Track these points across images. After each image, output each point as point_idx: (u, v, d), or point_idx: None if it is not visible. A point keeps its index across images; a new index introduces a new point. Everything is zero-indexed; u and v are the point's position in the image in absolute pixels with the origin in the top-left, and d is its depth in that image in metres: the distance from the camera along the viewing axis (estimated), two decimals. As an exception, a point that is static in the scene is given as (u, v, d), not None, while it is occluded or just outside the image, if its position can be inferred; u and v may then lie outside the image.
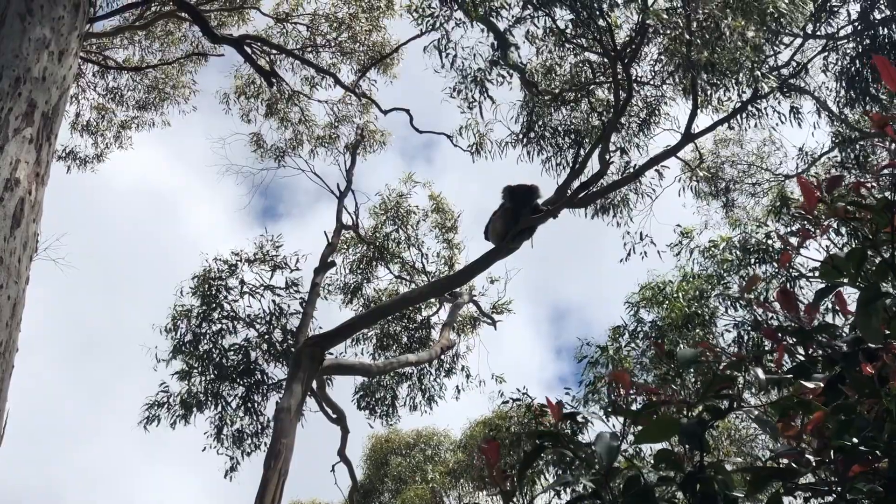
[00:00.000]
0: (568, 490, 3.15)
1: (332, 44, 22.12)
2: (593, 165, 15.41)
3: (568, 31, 15.17)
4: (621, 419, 3.15)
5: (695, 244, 17.45)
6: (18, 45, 6.17)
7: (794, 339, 3.38)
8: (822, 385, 3.02)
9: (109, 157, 24.08)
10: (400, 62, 22.32)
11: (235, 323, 18.83)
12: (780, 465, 2.97)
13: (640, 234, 18.00)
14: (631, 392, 3.18)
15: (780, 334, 3.37)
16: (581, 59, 17.24)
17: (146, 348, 18.82)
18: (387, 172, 46.11)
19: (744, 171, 21.85)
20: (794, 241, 3.43)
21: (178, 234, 45.01)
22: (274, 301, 18.90)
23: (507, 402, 19.06)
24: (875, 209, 3.04)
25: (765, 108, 15.93)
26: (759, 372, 3.06)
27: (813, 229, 3.43)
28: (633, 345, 17.31)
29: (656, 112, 17.75)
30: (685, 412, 3.13)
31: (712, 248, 16.99)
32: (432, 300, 21.04)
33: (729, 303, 15.79)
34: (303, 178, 22.98)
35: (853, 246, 3.08)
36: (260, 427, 18.82)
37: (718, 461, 3.09)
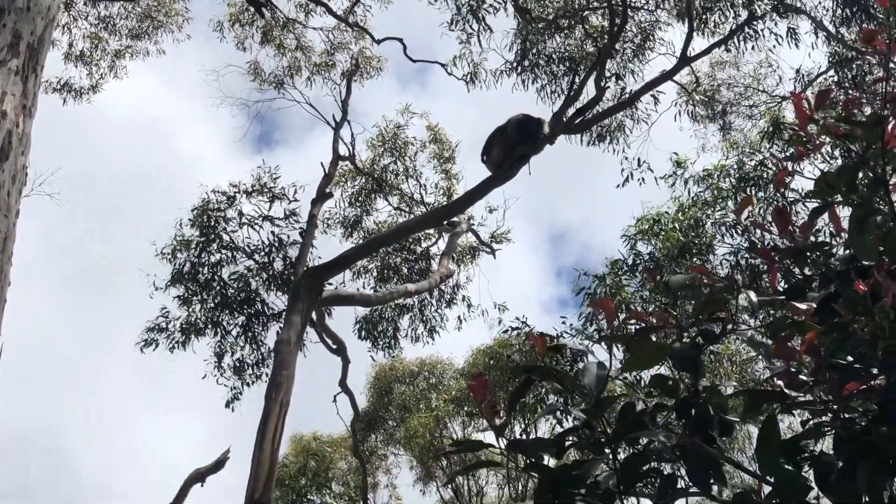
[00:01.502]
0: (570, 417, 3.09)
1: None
2: (588, 92, 15.33)
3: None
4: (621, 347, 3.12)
5: (689, 174, 17.31)
6: (1, -24, 6.08)
7: (789, 260, 3.35)
8: (814, 305, 2.96)
9: (104, 87, 24.02)
10: (396, -12, 21.97)
11: (235, 253, 18.81)
12: (776, 387, 2.94)
13: (638, 159, 17.95)
14: (620, 319, 3.12)
15: (774, 255, 3.32)
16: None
17: (145, 274, 18.84)
18: (383, 100, 45.88)
19: (740, 94, 21.64)
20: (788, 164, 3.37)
21: (175, 165, 44.94)
22: (273, 232, 18.84)
23: (507, 330, 19.08)
24: (865, 125, 3.00)
25: (761, 30, 15.86)
26: (751, 294, 3.03)
27: (806, 148, 3.36)
28: (631, 277, 17.26)
29: (651, 37, 17.69)
30: (678, 337, 3.07)
31: (707, 177, 16.88)
32: (431, 231, 21.03)
33: (725, 230, 15.73)
34: (299, 108, 22.76)
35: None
36: (261, 357, 18.89)
37: (713, 385, 3.05)
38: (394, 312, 21.65)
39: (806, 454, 2.81)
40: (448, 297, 21.78)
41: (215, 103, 35.12)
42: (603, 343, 3.16)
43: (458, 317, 21.95)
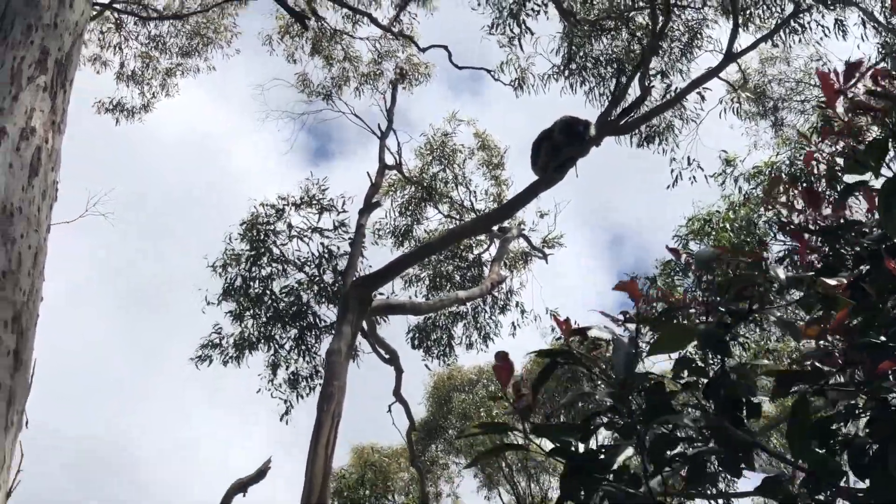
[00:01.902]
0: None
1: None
2: (635, 92, 15.21)
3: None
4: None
5: (738, 172, 17.10)
6: (29, -7, 6.09)
7: (821, 239, 3.27)
8: (844, 282, 2.86)
9: (156, 106, 24.15)
10: (442, -6, 21.92)
11: (285, 266, 18.84)
12: (807, 367, 2.87)
13: (687, 158, 17.80)
14: (647, 302, 3.05)
15: (805, 235, 3.24)
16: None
17: (196, 289, 18.93)
18: (431, 108, 45.95)
19: (791, 89, 21.34)
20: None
21: (224, 181, 45.29)
22: (322, 243, 18.84)
23: (560, 337, 18.89)
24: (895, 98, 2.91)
25: (808, 23, 15.66)
26: (780, 271, 2.93)
27: (832, 126, 3.27)
28: (684, 277, 17.08)
29: (698, 35, 17.52)
30: (705, 317, 2.99)
31: (757, 175, 16.67)
32: (483, 237, 20.99)
33: (777, 228, 15.51)
34: (346, 119, 22.83)
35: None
36: (314, 370, 18.89)
37: (742, 365, 2.97)
38: (447, 320, 21.60)
39: (839, 437, 2.73)
40: (501, 303, 21.70)
41: (262, 117, 35.46)
42: (629, 324, 3.09)
43: (513, 323, 21.89)
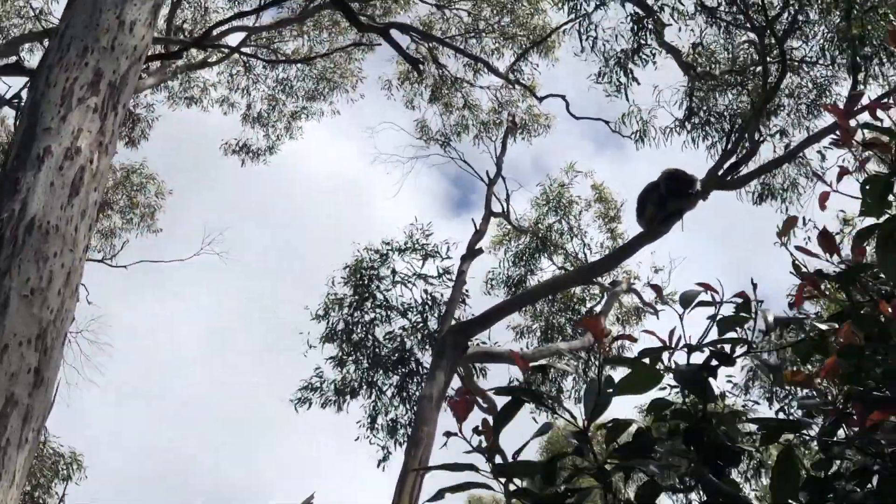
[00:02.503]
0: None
1: (495, 28, 22.02)
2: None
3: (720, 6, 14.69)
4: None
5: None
6: (89, 17, 6.11)
7: (834, 284, 3.04)
8: (836, 325, 2.67)
9: (280, 148, 24.49)
10: (561, 45, 21.82)
11: (388, 312, 18.78)
12: (791, 417, 2.67)
13: (803, 218, 17.29)
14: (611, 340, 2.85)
15: (818, 279, 3.01)
16: (742, 39, 16.72)
17: (298, 333, 18.97)
18: (549, 158, 45.86)
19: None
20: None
21: (341, 223, 45.73)
22: (426, 290, 18.73)
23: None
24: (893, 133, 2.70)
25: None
26: (768, 313, 2.73)
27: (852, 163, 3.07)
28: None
29: (827, 93, 17.04)
30: (688, 359, 2.80)
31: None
32: (596, 292, 20.72)
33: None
34: (458, 169, 22.94)
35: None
36: (414, 416, 18.74)
37: (722, 411, 2.77)
38: (557, 373, 21.29)
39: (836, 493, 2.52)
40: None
41: (370, 160, 35.78)
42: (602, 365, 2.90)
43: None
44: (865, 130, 2.87)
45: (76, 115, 5.66)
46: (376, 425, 18.95)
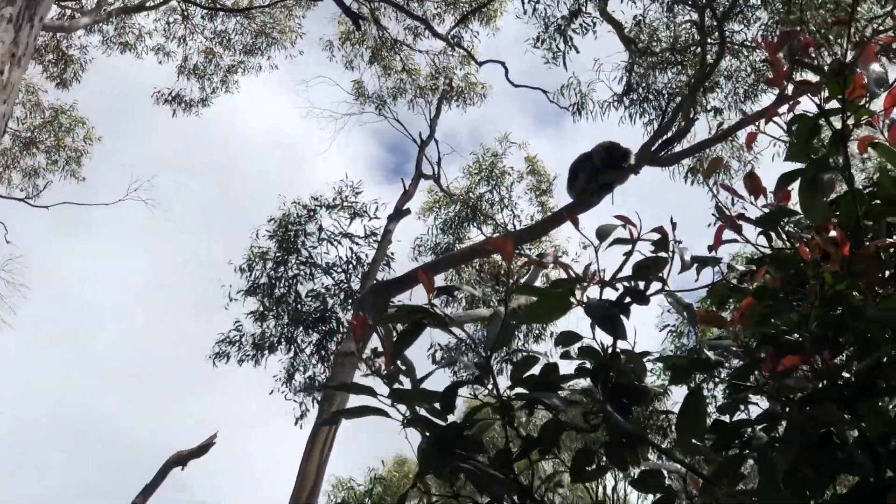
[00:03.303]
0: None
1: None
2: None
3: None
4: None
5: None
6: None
7: (758, 227, 2.98)
8: (754, 267, 2.68)
9: (214, 101, 24.25)
10: (502, 15, 21.81)
11: (313, 269, 18.63)
12: (704, 356, 2.60)
13: (732, 200, 17.43)
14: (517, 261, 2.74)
15: (740, 222, 2.94)
16: (685, 18, 16.77)
17: (220, 285, 18.77)
18: (485, 125, 45.98)
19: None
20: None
21: (274, 178, 45.51)
22: (352, 249, 18.62)
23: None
24: (826, 72, 2.62)
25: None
26: (685, 252, 2.65)
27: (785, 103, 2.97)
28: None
29: (765, 76, 17.17)
30: (600, 294, 2.71)
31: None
32: (522, 262, 20.71)
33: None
34: (392, 130, 22.84)
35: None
36: (329, 372, 18.67)
37: (631, 350, 2.69)
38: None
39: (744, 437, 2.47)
40: (536, 331, 21.40)
41: (303, 114, 35.61)
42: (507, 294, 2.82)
43: (546, 352, 21.60)
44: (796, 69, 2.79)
45: (-10, 26, 5.46)
46: (293, 382, 18.92)
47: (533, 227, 15.98)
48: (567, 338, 2.69)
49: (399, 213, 17.80)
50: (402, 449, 29.72)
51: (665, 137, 14.31)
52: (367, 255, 18.52)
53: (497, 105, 49.87)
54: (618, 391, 2.57)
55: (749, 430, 2.49)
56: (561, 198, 22.44)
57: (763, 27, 15.83)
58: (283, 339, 18.75)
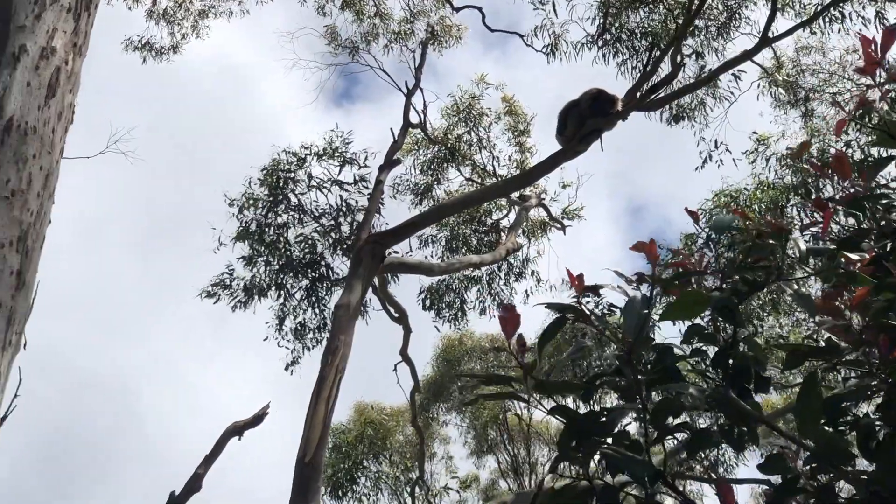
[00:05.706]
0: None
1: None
2: (667, 70, 15.11)
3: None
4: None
5: (771, 151, 17.02)
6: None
7: (846, 210, 3.15)
8: (867, 257, 2.77)
9: (185, 47, 23.93)
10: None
11: (302, 216, 18.74)
12: (819, 343, 2.78)
13: (716, 141, 17.72)
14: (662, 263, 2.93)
15: (830, 204, 3.12)
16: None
17: (212, 229, 18.82)
18: (461, 69, 45.75)
19: (825, 80, 21.08)
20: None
21: (251, 124, 45.18)
22: (341, 196, 18.71)
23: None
24: None
25: (848, 13, 15.48)
26: (800, 241, 2.83)
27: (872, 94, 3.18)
28: (705, 251, 16.95)
29: (737, 16, 17.35)
30: (720, 285, 2.89)
31: (788, 158, 16.50)
32: (503, 203, 20.91)
33: (805, 213, 15.37)
34: (373, 75, 22.73)
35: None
36: (323, 322, 18.85)
37: (753, 336, 2.88)
38: (461, 284, 21.54)
39: (849, 417, 2.63)
40: (517, 271, 21.65)
41: (289, 65, 35.33)
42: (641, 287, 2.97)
43: (526, 291, 21.89)
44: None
45: (50, 15, 5.57)
46: (284, 327, 19.17)
47: (524, 174, 16.14)
48: (695, 330, 2.86)
49: (390, 164, 17.83)
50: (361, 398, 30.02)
51: (654, 83, 14.49)
52: (356, 202, 18.64)
53: (475, 51, 49.76)
54: (738, 376, 2.76)
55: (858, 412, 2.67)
56: (538, 136, 22.67)
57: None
58: (273, 285, 18.95)
